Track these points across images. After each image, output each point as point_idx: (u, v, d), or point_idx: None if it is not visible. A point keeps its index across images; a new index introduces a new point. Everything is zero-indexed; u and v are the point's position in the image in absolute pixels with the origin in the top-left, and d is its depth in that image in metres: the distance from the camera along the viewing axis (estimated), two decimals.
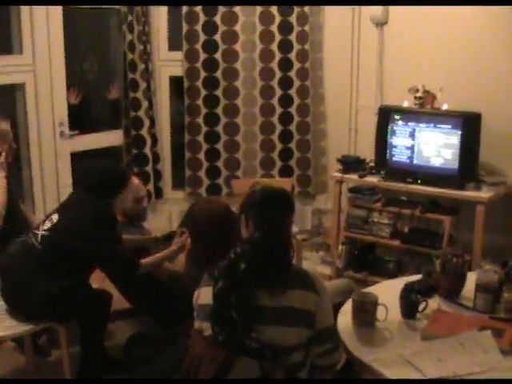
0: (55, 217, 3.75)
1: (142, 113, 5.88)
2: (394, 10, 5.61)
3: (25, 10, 5.07)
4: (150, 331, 4.36)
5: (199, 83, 6.02)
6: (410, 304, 2.99)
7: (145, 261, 3.85)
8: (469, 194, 4.94)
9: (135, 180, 4.39)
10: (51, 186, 5.48)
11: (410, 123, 5.19)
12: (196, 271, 3.23)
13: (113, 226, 3.81)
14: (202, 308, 2.56)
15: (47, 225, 3.73)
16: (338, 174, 5.55)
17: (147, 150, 5.98)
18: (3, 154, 4.14)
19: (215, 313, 2.47)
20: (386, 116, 5.30)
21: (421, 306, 2.99)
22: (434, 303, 3.11)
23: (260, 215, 2.59)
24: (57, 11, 5.27)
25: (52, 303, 3.60)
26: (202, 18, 5.88)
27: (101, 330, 3.99)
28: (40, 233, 3.71)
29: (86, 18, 6.13)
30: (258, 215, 2.60)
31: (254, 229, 2.59)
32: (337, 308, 3.01)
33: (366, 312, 2.89)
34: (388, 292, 3.09)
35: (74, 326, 3.86)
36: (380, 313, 2.90)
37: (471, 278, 3.19)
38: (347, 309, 3.00)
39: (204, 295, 2.57)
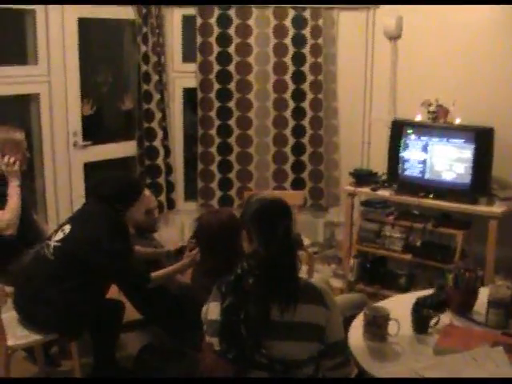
0: (67, 227, 3.75)
1: (155, 124, 5.90)
2: (408, 23, 5.62)
3: (40, 20, 5.10)
4: (161, 342, 4.36)
5: (212, 95, 6.04)
6: (421, 319, 2.98)
7: (155, 274, 3.84)
8: (481, 208, 4.93)
9: (146, 192, 4.39)
10: (64, 196, 5.50)
11: (422, 137, 5.19)
12: (204, 281, 3.24)
13: (126, 237, 3.81)
14: (211, 323, 2.54)
15: (59, 235, 3.73)
16: (351, 187, 5.55)
17: (160, 161, 6.00)
18: (17, 163, 4.17)
19: (224, 330, 2.45)
20: (398, 129, 5.30)
21: (433, 321, 2.99)
22: (446, 318, 3.10)
23: (260, 228, 2.56)
24: (72, 22, 5.31)
25: (65, 316, 3.60)
26: (216, 31, 5.91)
27: (113, 340, 3.99)
28: (52, 244, 3.71)
29: (100, 29, 6.16)
30: (258, 228, 2.57)
31: (257, 243, 2.56)
32: (348, 321, 3.00)
33: (377, 326, 2.88)
34: (400, 306, 3.09)
35: (85, 337, 3.87)
36: (392, 327, 2.89)
37: (483, 293, 3.18)
38: (359, 323, 2.99)
39: (212, 310, 2.56)
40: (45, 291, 3.61)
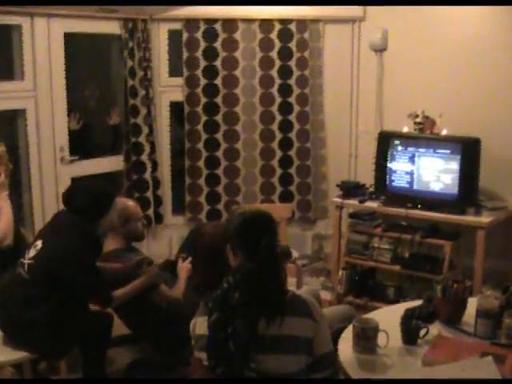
0: (39, 243, 3.63)
1: (142, 138, 5.90)
2: (393, 36, 5.66)
3: (26, 35, 5.10)
4: (150, 357, 4.33)
5: (199, 109, 6.05)
6: (410, 330, 2.98)
7: (118, 293, 3.71)
8: (469, 218, 4.95)
9: (130, 201, 4.35)
10: (51, 210, 5.43)
11: (409, 148, 5.20)
12: (196, 297, 3.22)
13: (96, 253, 3.72)
14: (199, 338, 2.54)
15: (32, 253, 3.61)
16: (338, 200, 5.56)
17: (147, 176, 5.99)
18: (2, 174, 4.14)
19: (211, 345, 2.44)
20: (385, 141, 5.31)
21: (422, 332, 2.98)
22: (435, 329, 3.09)
23: (243, 241, 2.57)
24: (58, 37, 5.31)
25: (50, 337, 3.53)
26: (203, 45, 5.92)
27: (103, 353, 3.94)
28: (26, 262, 3.60)
29: (87, 44, 6.16)
30: (241, 242, 2.57)
31: (242, 257, 2.55)
32: (337, 334, 2.99)
33: (366, 338, 2.87)
34: (389, 318, 3.08)
35: (74, 351, 3.84)
36: (381, 339, 2.89)
37: (472, 304, 3.17)
38: (348, 335, 2.98)
39: (200, 325, 2.55)
40: (26, 313, 3.50)
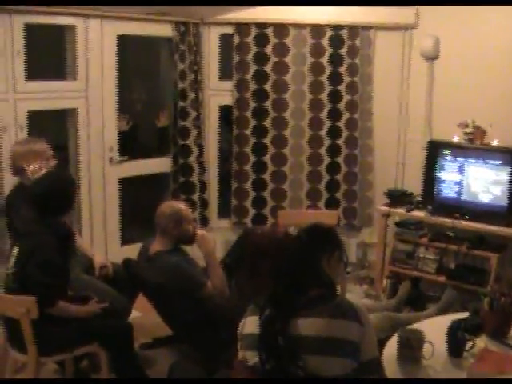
0: (15, 250, 3.59)
1: (190, 141, 5.93)
2: (445, 45, 5.60)
3: (80, 36, 5.16)
4: (192, 360, 4.34)
5: (248, 113, 6.06)
6: (456, 342, 2.95)
7: (63, 305, 3.60)
8: None
9: (182, 204, 4.40)
10: (99, 209, 5.54)
11: (458, 158, 5.16)
12: (242, 301, 3.22)
13: (62, 246, 3.58)
14: (246, 337, 2.56)
15: (12, 261, 3.56)
16: (385, 208, 5.53)
17: (195, 178, 6.02)
18: (43, 169, 4.19)
19: (262, 340, 2.47)
20: (434, 150, 5.28)
21: (468, 345, 2.95)
22: (481, 342, 3.06)
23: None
24: (111, 39, 5.36)
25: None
26: (253, 49, 5.93)
27: (128, 361, 3.86)
28: (10, 272, 3.55)
29: (138, 46, 6.22)
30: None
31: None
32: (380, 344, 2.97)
33: (411, 349, 2.86)
34: (434, 329, 3.06)
35: None
36: (426, 350, 2.86)
37: None
38: (392, 343, 2.97)
39: (249, 324, 2.58)
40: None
